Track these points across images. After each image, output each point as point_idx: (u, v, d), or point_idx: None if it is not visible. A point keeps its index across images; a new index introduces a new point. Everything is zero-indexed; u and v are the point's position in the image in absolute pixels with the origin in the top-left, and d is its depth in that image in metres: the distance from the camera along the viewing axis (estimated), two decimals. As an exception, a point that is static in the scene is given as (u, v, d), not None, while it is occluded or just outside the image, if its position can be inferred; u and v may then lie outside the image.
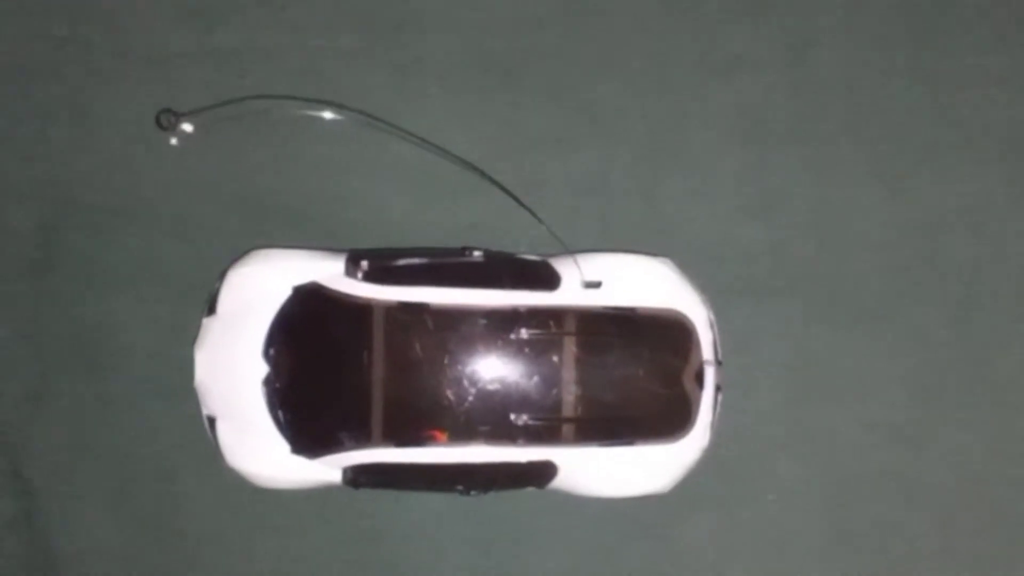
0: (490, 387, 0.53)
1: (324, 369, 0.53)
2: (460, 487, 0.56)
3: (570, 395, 0.55)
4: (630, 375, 0.57)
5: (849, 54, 0.56)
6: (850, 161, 0.56)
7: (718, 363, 0.69)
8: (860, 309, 0.58)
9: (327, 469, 0.52)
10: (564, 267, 0.55)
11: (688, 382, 0.55)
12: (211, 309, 0.55)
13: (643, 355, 0.58)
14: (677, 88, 0.55)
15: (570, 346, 0.53)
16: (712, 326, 0.70)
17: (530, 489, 0.67)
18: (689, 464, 0.60)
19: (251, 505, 0.59)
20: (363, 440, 0.52)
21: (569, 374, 0.54)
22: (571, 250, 0.53)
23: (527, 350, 0.53)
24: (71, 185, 0.54)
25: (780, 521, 0.69)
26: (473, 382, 0.52)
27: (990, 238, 0.64)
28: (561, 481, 0.56)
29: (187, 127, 0.62)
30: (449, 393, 0.52)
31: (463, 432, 0.52)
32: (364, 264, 0.53)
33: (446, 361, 0.52)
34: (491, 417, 0.53)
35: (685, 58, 0.55)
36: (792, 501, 0.73)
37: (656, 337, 0.57)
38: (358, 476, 0.53)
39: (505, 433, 0.52)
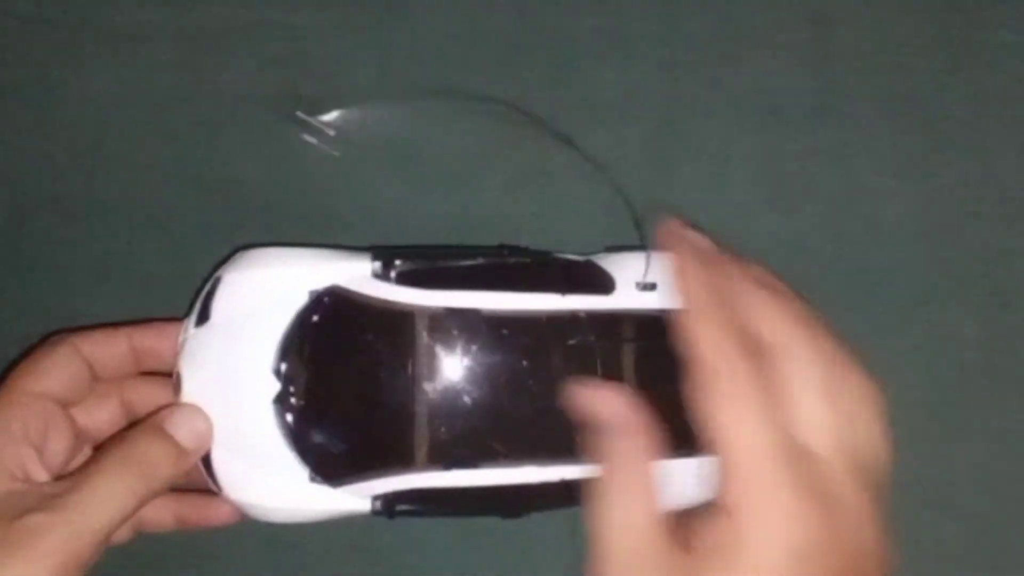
0: (549, 400, 0.49)
1: (354, 385, 0.49)
2: (507, 510, 0.51)
3: None
4: (685, 387, 0.54)
5: (874, 31, 0.52)
6: (874, 147, 0.52)
7: None
8: (883, 305, 0.55)
9: (353, 499, 0.48)
10: (611, 267, 0.52)
11: None
12: (203, 317, 0.50)
13: None
14: (688, 70, 0.51)
15: (631, 353, 0.50)
16: None
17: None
18: None
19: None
20: (403, 463, 0.48)
21: (631, 384, 0.50)
22: (646, 249, 0.49)
23: (587, 358, 0.49)
24: (41, 172, 0.50)
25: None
26: (531, 395, 0.48)
27: None
28: None
29: (328, 117, 0.55)
30: (504, 408, 0.48)
31: (521, 449, 0.48)
32: (398, 264, 0.49)
33: (500, 372, 0.48)
34: (552, 432, 0.49)
35: (697, 38, 0.52)
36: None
37: None
38: (393, 504, 0.48)
39: (565, 449, 0.49)
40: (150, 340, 0.42)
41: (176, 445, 0.36)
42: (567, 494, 0.51)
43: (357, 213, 0.57)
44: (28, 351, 0.43)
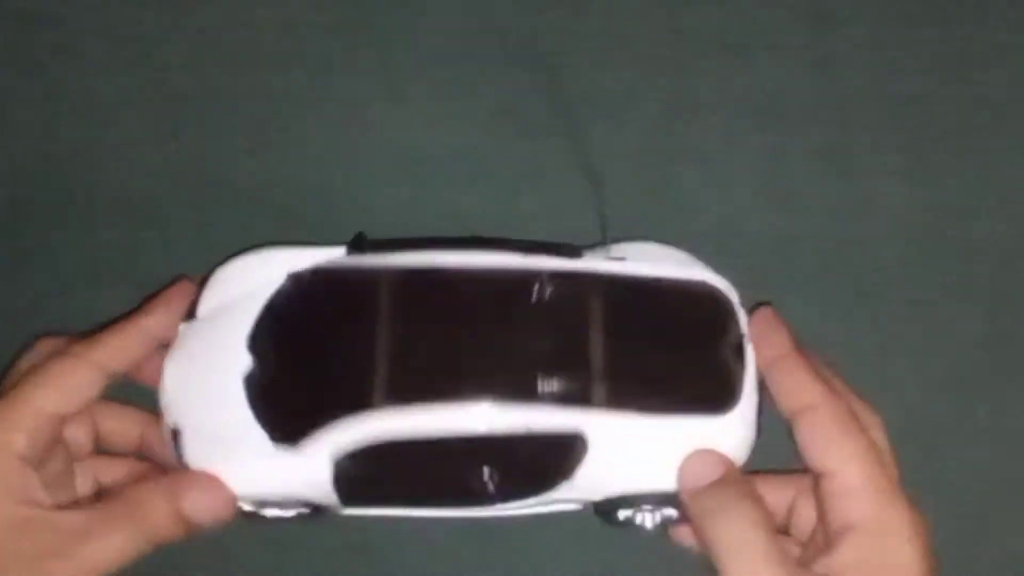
0: (509, 349, 0.46)
1: (320, 345, 0.47)
2: (476, 483, 0.47)
3: (599, 360, 0.48)
4: (663, 343, 0.49)
5: (873, 31, 0.52)
6: (874, 146, 0.52)
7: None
8: (882, 305, 0.54)
9: (315, 465, 0.46)
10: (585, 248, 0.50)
11: (728, 354, 0.48)
12: (189, 315, 0.49)
13: (676, 322, 0.50)
14: (688, 69, 0.51)
15: (597, 309, 0.47)
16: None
17: (553, 502, 0.56)
18: (742, 441, 0.51)
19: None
20: (361, 404, 0.45)
21: (597, 339, 0.47)
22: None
23: (550, 312, 0.47)
24: (39, 172, 0.50)
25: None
26: (490, 343, 0.46)
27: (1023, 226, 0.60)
28: (591, 470, 0.47)
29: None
30: (462, 354, 0.46)
31: (478, 387, 0.45)
32: (367, 239, 0.48)
33: (460, 325, 0.46)
34: (510, 376, 0.46)
35: (697, 37, 0.52)
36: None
37: (688, 305, 0.49)
38: (351, 466, 0.46)
39: (526, 391, 0.46)
40: (161, 324, 0.42)
41: (184, 517, 0.37)
42: (543, 451, 0.44)
43: (357, 213, 0.57)
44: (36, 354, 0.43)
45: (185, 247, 0.56)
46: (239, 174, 0.57)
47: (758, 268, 0.61)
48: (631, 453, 0.47)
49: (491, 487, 0.44)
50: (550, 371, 0.48)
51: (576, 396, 0.47)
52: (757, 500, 0.34)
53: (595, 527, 0.60)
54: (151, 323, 0.40)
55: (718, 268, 0.60)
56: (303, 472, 0.46)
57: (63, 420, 0.37)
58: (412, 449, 0.44)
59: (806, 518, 0.37)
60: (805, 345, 0.44)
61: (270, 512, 0.45)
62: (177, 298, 0.42)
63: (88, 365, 0.37)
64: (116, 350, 0.39)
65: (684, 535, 0.42)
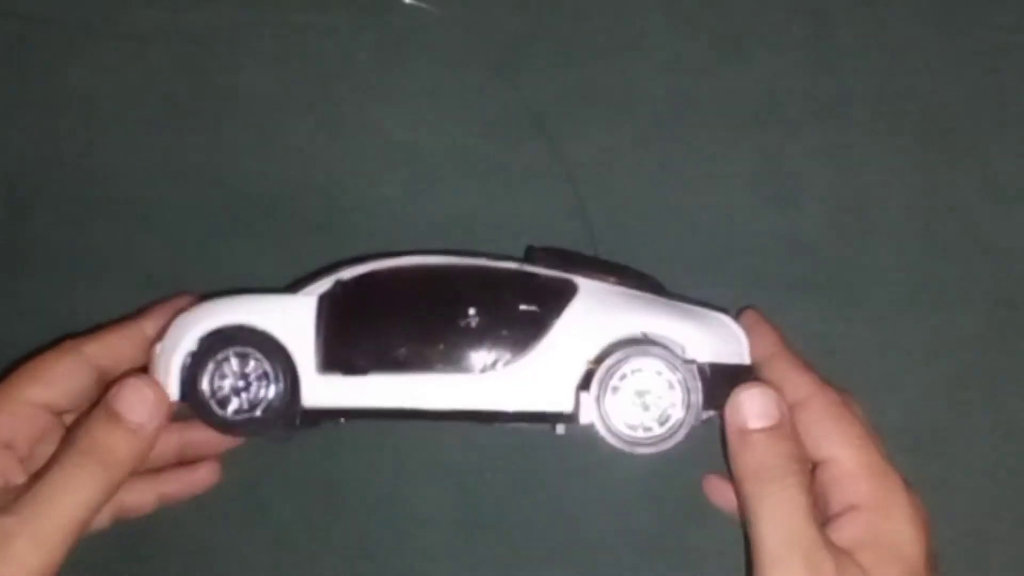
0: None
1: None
2: (462, 316, 0.42)
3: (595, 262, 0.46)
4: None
5: (874, 29, 0.52)
6: (875, 145, 0.51)
7: None
8: (882, 304, 0.54)
9: (302, 302, 0.41)
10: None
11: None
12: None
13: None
14: (688, 68, 0.51)
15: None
16: None
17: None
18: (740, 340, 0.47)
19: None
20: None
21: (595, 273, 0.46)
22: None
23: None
24: (41, 172, 0.50)
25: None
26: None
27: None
28: (580, 308, 0.43)
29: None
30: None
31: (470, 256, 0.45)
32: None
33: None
34: (503, 256, 0.45)
35: (697, 36, 0.51)
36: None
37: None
38: (336, 294, 0.43)
39: (521, 258, 0.44)
40: (157, 327, 0.41)
41: (127, 425, 0.34)
42: (534, 291, 0.42)
43: (357, 213, 0.57)
44: (36, 351, 0.43)
45: (185, 247, 0.56)
46: (239, 174, 0.57)
47: (758, 268, 0.61)
48: (622, 302, 0.45)
49: (478, 318, 0.39)
50: (544, 253, 0.47)
51: (567, 266, 0.46)
52: (807, 485, 0.33)
53: (596, 538, 0.59)
54: (147, 325, 0.40)
55: (716, 267, 0.60)
56: (288, 310, 0.43)
57: (52, 408, 0.36)
58: (398, 282, 0.41)
59: None
60: (794, 344, 0.45)
61: (232, 406, 0.41)
62: (178, 305, 0.41)
63: (76, 357, 0.37)
64: (107, 346, 0.39)
65: (719, 496, 0.43)
